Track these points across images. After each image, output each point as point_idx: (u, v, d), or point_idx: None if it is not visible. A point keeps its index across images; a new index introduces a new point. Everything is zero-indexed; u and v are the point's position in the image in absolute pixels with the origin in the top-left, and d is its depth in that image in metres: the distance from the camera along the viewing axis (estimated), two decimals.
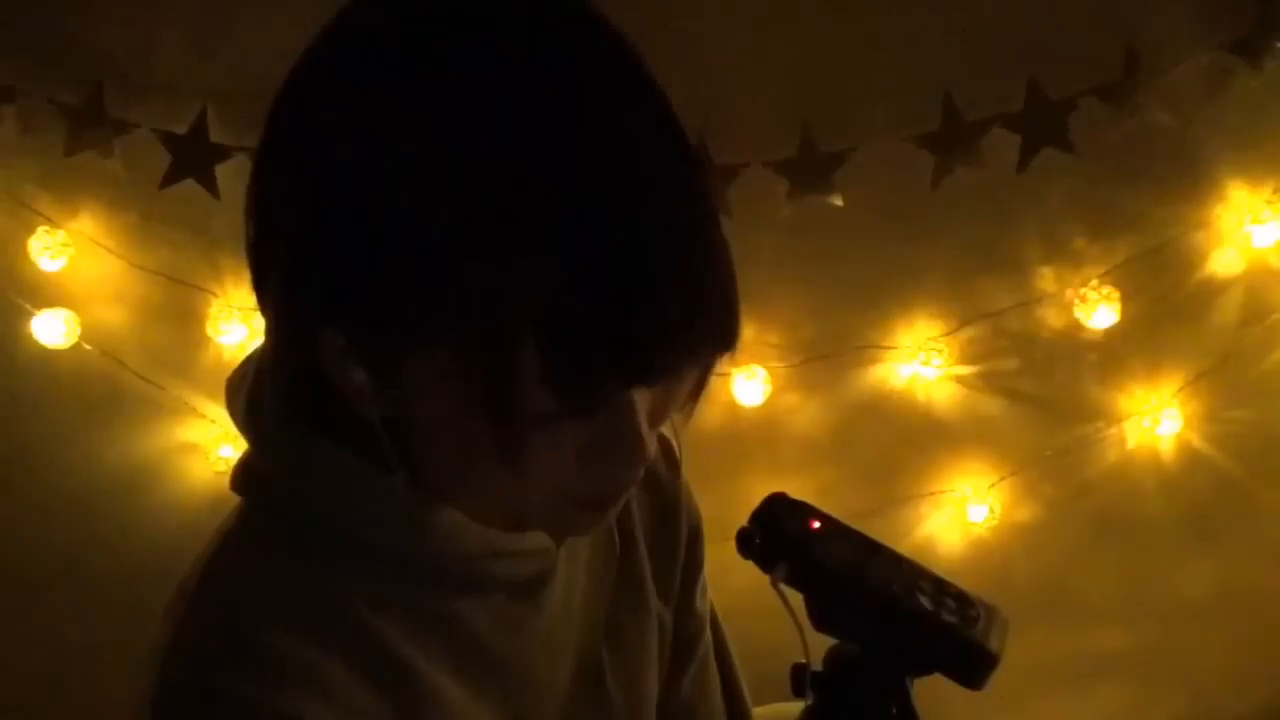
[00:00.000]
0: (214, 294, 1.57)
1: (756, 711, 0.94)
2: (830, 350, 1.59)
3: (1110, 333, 1.57)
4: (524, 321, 0.53)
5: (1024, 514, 1.67)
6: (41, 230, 1.55)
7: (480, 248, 0.52)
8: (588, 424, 0.57)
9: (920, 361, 1.59)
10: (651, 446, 0.60)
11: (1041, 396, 1.64)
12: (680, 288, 0.54)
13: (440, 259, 0.53)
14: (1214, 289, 1.59)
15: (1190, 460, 1.65)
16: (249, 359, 0.70)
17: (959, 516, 1.66)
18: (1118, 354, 1.61)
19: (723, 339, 0.58)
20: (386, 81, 0.55)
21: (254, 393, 0.66)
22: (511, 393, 0.54)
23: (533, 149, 0.52)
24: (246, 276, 0.63)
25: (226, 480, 0.69)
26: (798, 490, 0.73)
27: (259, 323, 1.52)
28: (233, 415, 0.68)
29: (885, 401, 1.63)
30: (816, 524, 0.70)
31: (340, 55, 0.58)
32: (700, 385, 0.63)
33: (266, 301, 0.62)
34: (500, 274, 0.52)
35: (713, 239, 0.57)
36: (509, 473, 0.58)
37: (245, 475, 0.68)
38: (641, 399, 0.59)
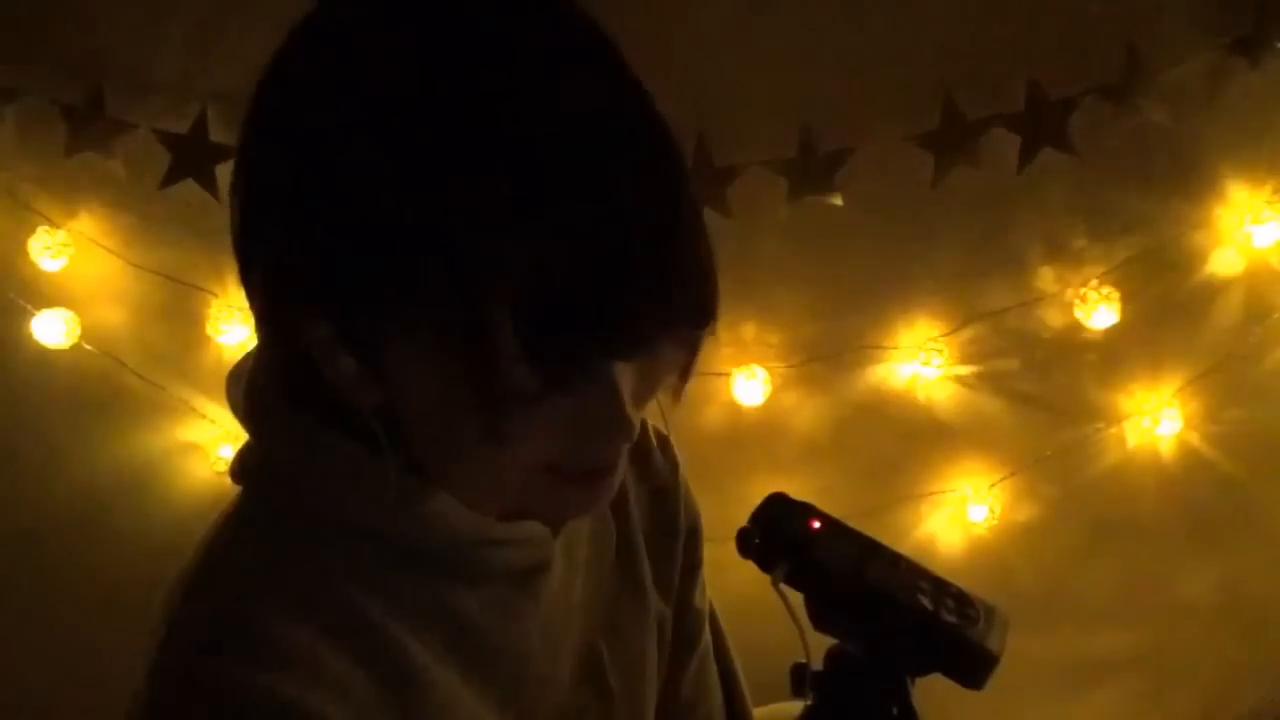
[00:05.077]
0: (214, 294, 1.57)
1: (756, 712, 0.95)
2: (830, 350, 1.59)
3: (1110, 333, 1.57)
4: (500, 298, 0.53)
5: (1024, 514, 1.67)
6: (41, 230, 1.55)
7: (453, 226, 0.53)
8: (570, 400, 0.58)
9: (920, 361, 1.59)
10: (636, 422, 0.61)
11: (1041, 396, 1.63)
12: (652, 259, 0.55)
13: (415, 239, 0.54)
14: (1214, 289, 1.59)
15: (1190, 460, 1.65)
16: (249, 354, 0.71)
17: (959, 516, 1.66)
18: (1118, 354, 1.61)
19: (699, 311, 0.59)
20: (359, 69, 0.56)
21: (252, 383, 0.68)
22: (492, 370, 0.55)
23: (503, 128, 0.53)
24: None
25: (226, 480, 0.69)
26: (798, 490, 0.73)
27: None
28: (233, 406, 0.69)
29: (885, 401, 1.63)
30: (816, 524, 0.70)
31: (313, 46, 0.59)
32: (688, 366, 0.64)
33: (253, 293, 0.62)
34: (474, 251, 0.53)
35: (685, 210, 0.57)
36: (495, 451, 0.59)
37: (244, 463, 0.69)
38: (624, 375, 0.59)
